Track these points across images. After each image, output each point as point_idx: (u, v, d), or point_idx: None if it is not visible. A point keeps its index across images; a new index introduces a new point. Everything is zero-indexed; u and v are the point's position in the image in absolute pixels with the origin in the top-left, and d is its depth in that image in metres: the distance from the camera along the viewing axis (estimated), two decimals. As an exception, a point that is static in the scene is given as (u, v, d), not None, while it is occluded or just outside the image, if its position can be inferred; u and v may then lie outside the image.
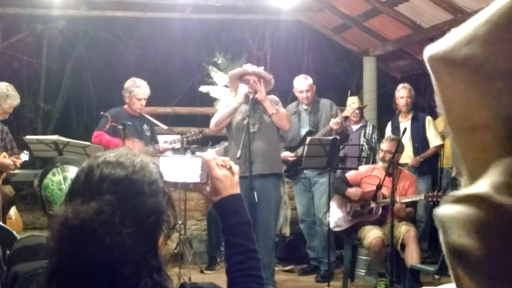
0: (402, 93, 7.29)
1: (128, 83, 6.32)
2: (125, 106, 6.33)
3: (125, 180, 1.35)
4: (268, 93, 5.89)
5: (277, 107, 5.75)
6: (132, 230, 1.30)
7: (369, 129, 7.52)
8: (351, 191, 6.07)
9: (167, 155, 5.13)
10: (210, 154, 1.71)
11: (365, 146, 7.39)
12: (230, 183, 1.68)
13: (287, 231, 6.87)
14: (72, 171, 2.37)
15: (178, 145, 6.21)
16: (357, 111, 7.13)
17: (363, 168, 6.33)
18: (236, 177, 1.71)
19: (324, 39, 10.48)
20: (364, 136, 7.45)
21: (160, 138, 6.54)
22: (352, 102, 7.49)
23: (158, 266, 1.35)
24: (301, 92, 6.62)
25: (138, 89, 6.23)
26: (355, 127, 7.54)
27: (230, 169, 1.70)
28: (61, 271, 1.29)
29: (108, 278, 1.27)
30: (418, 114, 7.49)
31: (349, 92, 8.21)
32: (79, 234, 1.28)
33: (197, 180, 1.69)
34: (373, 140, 7.44)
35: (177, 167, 1.71)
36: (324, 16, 9.34)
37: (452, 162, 7.29)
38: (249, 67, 5.79)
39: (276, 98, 5.97)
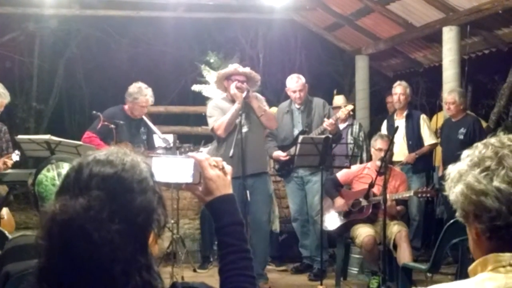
0: (396, 90, 7.34)
1: (133, 89, 6.17)
2: (125, 107, 6.26)
3: (114, 177, 1.35)
4: (257, 90, 5.95)
5: (265, 108, 5.79)
6: (121, 228, 1.29)
7: (356, 128, 7.54)
8: (338, 203, 6.09)
9: (160, 155, 5.12)
10: (203, 154, 1.71)
11: (352, 145, 7.41)
12: (223, 183, 1.69)
13: (277, 227, 6.91)
14: (66, 168, 2.37)
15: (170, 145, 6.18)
16: (352, 112, 7.14)
17: (354, 167, 6.35)
18: (229, 177, 1.71)
19: (317, 38, 10.51)
20: (351, 134, 7.47)
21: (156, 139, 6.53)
22: (340, 101, 7.52)
23: (147, 265, 1.34)
24: (294, 92, 6.61)
25: (143, 97, 6.13)
26: (342, 126, 7.54)
27: (222, 169, 1.70)
28: (51, 269, 1.29)
29: (97, 275, 1.27)
30: (413, 112, 7.51)
31: (335, 91, 8.21)
32: (67, 230, 1.27)
33: (190, 180, 1.69)
34: (360, 139, 7.47)
35: (170, 167, 1.70)
36: (317, 15, 9.36)
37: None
38: (239, 68, 5.80)
39: (260, 96, 6.00)
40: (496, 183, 1.33)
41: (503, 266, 1.34)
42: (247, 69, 5.83)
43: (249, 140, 5.68)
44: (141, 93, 6.14)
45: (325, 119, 6.41)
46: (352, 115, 7.80)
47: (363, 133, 7.56)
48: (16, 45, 11.28)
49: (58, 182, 2.36)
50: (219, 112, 5.82)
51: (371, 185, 5.72)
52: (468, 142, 6.44)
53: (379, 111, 9.85)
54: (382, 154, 5.85)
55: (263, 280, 5.78)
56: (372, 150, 6.20)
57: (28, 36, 11.21)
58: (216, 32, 11.78)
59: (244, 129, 5.69)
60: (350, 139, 7.37)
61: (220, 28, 11.66)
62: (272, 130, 6.36)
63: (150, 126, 6.40)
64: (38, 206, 2.47)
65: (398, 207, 5.91)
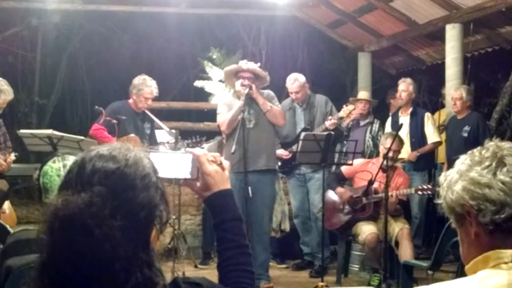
0: (400, 87, 7.37)
1: (138, 81, 6.23)
2: (130, 101, 6.28)
3: (117, 173, 1.35)
4: (265, 88, 5.90)
5: (271, 104, 5.74)
6: (122, 224, 1.29)
7: (375, 126, 7.51)
8: (340, 190, 6.10)
9: (158, 151, 5.12)
10: (201, 149, 1.72)
11: (370, 143, 7.39)
12: (221, 178, 1.69)
13: (286, 226, 6.88)
14: (72, 160, 2.38)
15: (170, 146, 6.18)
16: (357, 112, 7.14)
17: (358, 161, 6.30)
18: (227, 173, 1.72)
19: (319, 34, 10.48)
20: (370, 132, 7.45)
21: (158, 133, 6.53)
22: (365, 96, 7.55)
23: (149, 261, 1.34)
24: (291, 93, 6.65)
25: (148, 88, 6.18)
26: (362, 122, 7.52)
27: (220, 164, 1.70)
28: (52, 264, 1.29)
29: (98, 271, 1.27)
30: (417, 109, 7.51)
31: (358, 88, 8.22)
32: (68, 225, 1.27)
33: (188, 176, 1.69)
34: (378, 138, 7.44)
35: (168, 162, 1.70)
36: (320, 12, 9.34)
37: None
38: (244, 64, 5.78)
39: (272, 94, 5.97)
40: (500, 176, 1.38)
41: (505, 263, 1.35)
42: (253, 66, 5.79)
43: (254, 136, 5.67)
44: (146, 84, 6.19)
45: (328, 118, 6.43)
46: (371, 113, 7.76)
47: (382, 132, 7.52)
48: (19, 39, 11.26)
49: (63, 174, 2.37)
50: (226, 108, 5.81)
51: (371, 182, 5.71)
52: (472, 140, 6.44)
53: (380, 108, 9.82)
54: (391, 153, 5.80)
55: (265, 280, 5.76)
56: (381, 148, 6.13)
57: (30, 31, 11.19)
58: (218, 28, 11.75)
59: (250, 125, 5.68)
60: (368, 137, 7.36)
61: (222, 24, 11.63)
62: (278, 128, 6.23)
63: (153, 121, 6.42)
64: (42, 199, 2.48)
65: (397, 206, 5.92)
